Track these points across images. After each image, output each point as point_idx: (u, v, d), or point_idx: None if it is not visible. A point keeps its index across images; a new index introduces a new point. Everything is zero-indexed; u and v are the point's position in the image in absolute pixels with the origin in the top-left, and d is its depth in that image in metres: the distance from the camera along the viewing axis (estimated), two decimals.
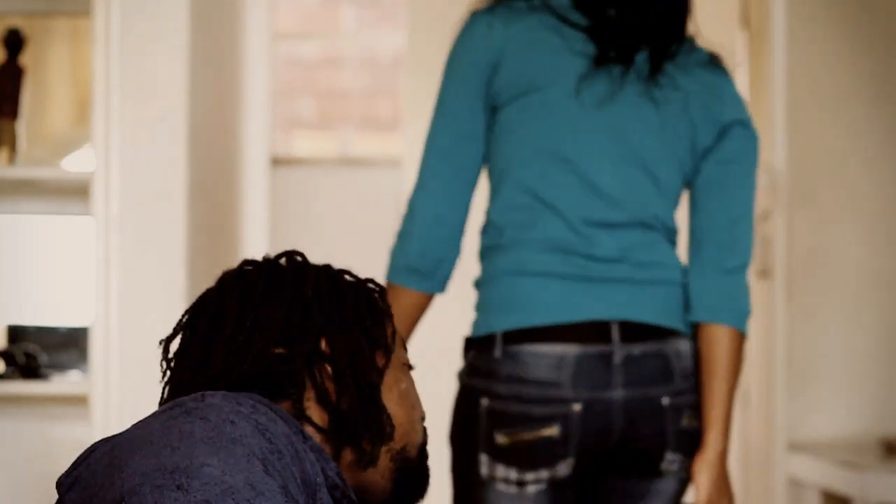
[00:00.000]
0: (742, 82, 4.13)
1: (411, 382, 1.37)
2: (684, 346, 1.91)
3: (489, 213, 1.93)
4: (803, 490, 3.54)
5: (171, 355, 1.31)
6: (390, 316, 1.36)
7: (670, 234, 1.95)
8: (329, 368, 1.28)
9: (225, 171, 3.41)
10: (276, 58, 4.36)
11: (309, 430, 1.27)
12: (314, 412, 1.28)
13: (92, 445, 1.17)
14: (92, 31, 2.61)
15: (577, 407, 1.85)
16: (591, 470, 1.90)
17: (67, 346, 2.89)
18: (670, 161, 1.91)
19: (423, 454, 1.36)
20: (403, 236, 1.92)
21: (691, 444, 1.90)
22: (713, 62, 2.00)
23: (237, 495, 1.06)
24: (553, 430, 1.84)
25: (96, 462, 1.14)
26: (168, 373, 1.31)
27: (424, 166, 1.91)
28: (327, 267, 1.36)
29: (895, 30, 3.69)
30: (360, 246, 4.15)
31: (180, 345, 1.31)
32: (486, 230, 1.93)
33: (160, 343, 1.35)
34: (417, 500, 1.36)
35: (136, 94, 2.62)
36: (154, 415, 1.18)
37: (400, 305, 1.81)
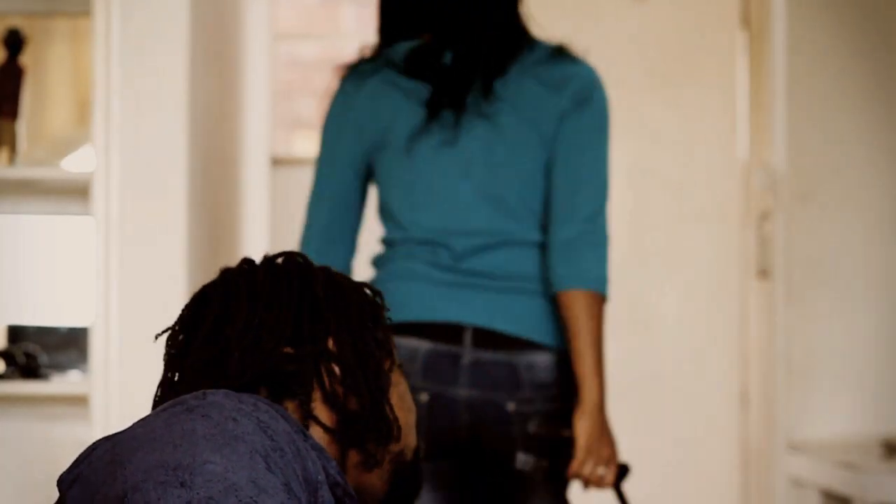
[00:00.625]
0: (742, 82, 4.13)
1: (406, 385, 1.37)
2: (540, 358, 2.05)
3: (383, 235, 2.21)
4: (803, 490, 3.54)
5: (173, 352, 1.30)
6: (388, 319, 1.37)
7: (533, 247, 2.10)
8: (337, 369, 1.28)
9: (225, 171, 3.41)
10: (277, 58, 4.36)
11: (316, 430, 1.27)
12: (321, 412, 1.28)
13: (93, 443, 1.17)
14: (92, 31, 2.61)
15: (423, 397, 2.05)
16: (452, 463, 2.08)
17: (67, 346, 2.89)
18: (520, 181, 2.10)
19: (417, 456, 1.37)
20: None
21: (542, 447, 2.06)
22: (555, 54, 2.16)
23: (240, 492, 1.06)
24: None
25: (98, 459, 1.14)
26: (168, 370, 1.30)
27: (309, 214, 2.22)
28: (328, 269, 1.36)
29: (894, 28, 3.69)
30: (359, 246, 4.15)
31: (181, 342, 1.30)
32: (382, 245, 2.21)
33: (156, 337, 1.35)
34: (411, 502, 1.37)
35: (136, 94, 2.62)
36: (156, 412, 1.17)
37: None
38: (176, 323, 1.33)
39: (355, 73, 2.21)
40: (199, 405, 1.15)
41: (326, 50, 4.66)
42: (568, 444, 2.07)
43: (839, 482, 3.22)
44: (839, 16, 3.69)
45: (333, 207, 2.20)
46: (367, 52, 2.24)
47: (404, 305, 2.06)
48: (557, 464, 2.10)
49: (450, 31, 2.13)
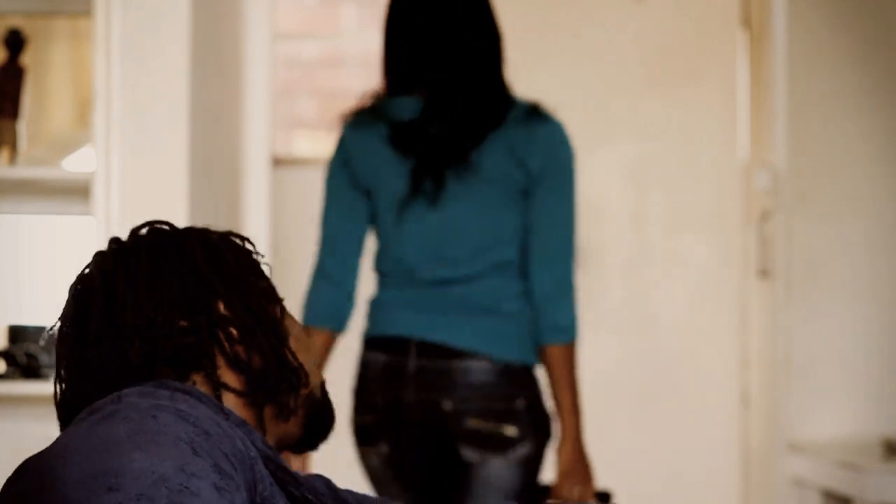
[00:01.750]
0: (743, 82, 4.13)
1: (299, 325, 1.37)
2: (476, 364, 2.36)
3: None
4: (804, 490, 3.54)
5: (66, 351, 1.27)
6: (263, 264, 1.37)
7: (508, 275, 2.41)
8: (235, 331, 1.28)
9: (225, 171, 3.41)
10: (277, 58, 4.36)
11: (228, 397, 1.26)
12: (229, 378, 1.27)
13: (23, 463, 1.16)
14: (93, 31, 2.61)
15: (380, 401, 2.42)
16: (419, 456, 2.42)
17: None
18: (491, 236, 2.41)
19: (325, 392, 1.36)
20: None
21: (481, 440, 2.35)
22: (530, 114, 2.42)
23: (169, 482, 1.06)
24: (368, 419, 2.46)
25: (28, 479, 1.13)
26: (65, 369, 1.27)
27: (320, 243, 2.52)
28: (198, 230, 1.35)
29: (895, 29, 3.69)
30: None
31: (72, 340, 1.28)
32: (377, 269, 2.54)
33: (43, 338, 1.34)
34: (325, 438, 1.37)
35: (136, 94, 2.62)
36: (75, 423, 1.17)
37: (315, 343, 2.30)
38: (61, 322, 1.31)
39: (354, 123, 2.49)
40: (117, 409, 1.15)
41: (326, 50, 4.66)
42: (510, 442, 2.36)
43: (840, 482, 3.22)
44: (839, 16, 3.69)
45: (339, 237, 2.51)
46: (368, 101, 2.49)
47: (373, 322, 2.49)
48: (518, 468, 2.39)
49: (437, 98, 2.41)
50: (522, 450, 2.37)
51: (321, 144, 4.67)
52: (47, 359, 2.80)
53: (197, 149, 2.74)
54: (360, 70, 4.62)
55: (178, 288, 1.27)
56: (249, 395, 1.28)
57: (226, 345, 1.27)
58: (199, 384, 1.26)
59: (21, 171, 2.76)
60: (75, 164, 3.01)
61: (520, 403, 2.38)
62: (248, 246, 1.37)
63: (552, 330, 2.41)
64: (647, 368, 4.11)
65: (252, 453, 1.19)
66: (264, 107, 4.18)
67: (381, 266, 2.50)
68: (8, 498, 1.14)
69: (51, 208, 2.89)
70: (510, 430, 2.36)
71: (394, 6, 2.51)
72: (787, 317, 3.65)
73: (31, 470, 1.13)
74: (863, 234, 3.66)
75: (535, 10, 4.14)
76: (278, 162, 4.25)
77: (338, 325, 2.49)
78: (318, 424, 1.35)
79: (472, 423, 2.36)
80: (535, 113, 2.42)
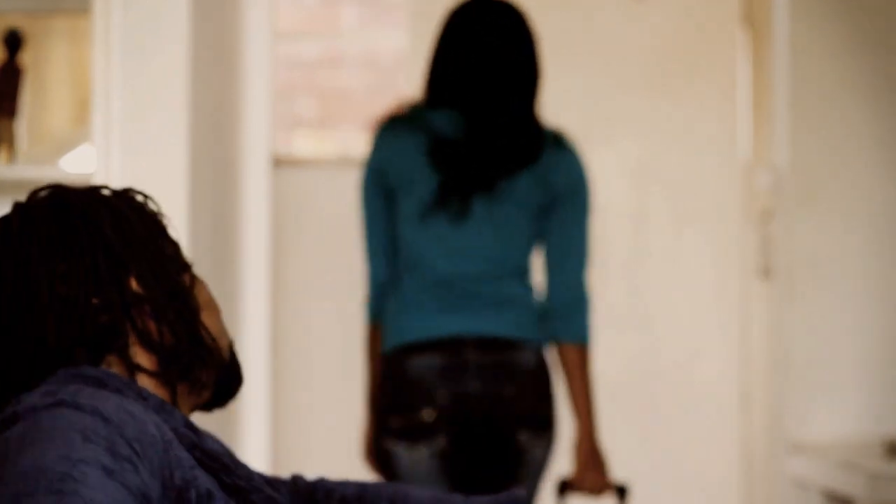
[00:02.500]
0: (744, 81, 4.13)
1: (206, 288, 1.33)
2: (525, 353, 2.55)
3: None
4: (805, 491, 3.53)
5: None
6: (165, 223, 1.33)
7: (519, 275, 2.62)
8: (148, 307, 1.25)
9: (225, 171, 3.40)
10: (277, 58, 4.36)
11: (142, 378, 1.24)
12: (142, 359, 1.25)
13: None
14: (92, 31, 2.61)
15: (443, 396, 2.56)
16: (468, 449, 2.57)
17: None
18: (510, 251, 2.60)
19: (233, 354, 1.34)
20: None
21: (536, 421, 2.54)
22: (554, 142, 2.62)
23: (50, 472, 1.04)
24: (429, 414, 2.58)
25: None
26: None
27: (364, 247, 2.73)
28: (96, 193, 1.30)
29: None
30: (359, 246, 4.14)
31: None
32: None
33: None
34: (234, 398, 1.34)
35: (136, 93, 2.62)
36: None
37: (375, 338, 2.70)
38: None
39: (391, 128, 2.65)
40: (14, 413, 1.13)
41: (327, 50, 4.66)
42: (551, 422, 2.56)
43: (841, 482, 3.22)
44: (841, 15, 3.68)
45: (374, 231, 2.70)
46: (406, 110, 2.66)
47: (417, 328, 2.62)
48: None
49: (480, 121, 2.57)
50: (552, 431, 2.58)
51: (321, 144, 4.67)
52: None
53: (197, 148, 2.74)
54: (361, 70, 4.62)
55: (90, 262, 1.23)
56: (162, 375, 1.25)
57: (138, 322, 1.24)
58: (114, 365, 1.23)
59: (20, 171, 2.75)
60: (74, 164, 3.01)
61: (553, 386, 2.60)
62: (151, 206, 1.32)
63: (571, 330, 2.61)
64: (648, 368, 4.11)
65: (168, 437, 1.16)
66: (264, 107, 4.18)
67: (404, 270, 2.65)
68: None
69: None
70: (550, 410, 2.57)
71: (454, 21, 2.62)
72: (787, 316, 3.65)
73: None
74: (864, 233, 3.66)
75: (535, 11, 4.14)
76: (278, 162, 4.24)
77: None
78: (227, 387, 1.33)
79: (527, 405, 2.54)
80: (560, 142, 2.63)
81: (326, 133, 4.66)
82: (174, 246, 1.32)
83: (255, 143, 3.97)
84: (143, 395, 1.20)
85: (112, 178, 2.59)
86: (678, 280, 4.13)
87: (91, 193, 1.29)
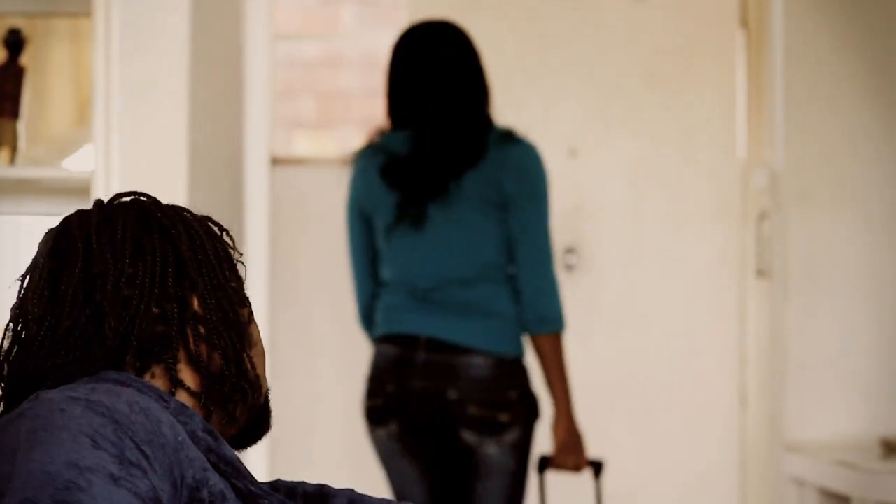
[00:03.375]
0: (741, 82, 4.14)
1: (258, 331, 1.35)
2: (476, 360, 2.71)
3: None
4: (802, 489, 3.54)
5: (34, 315, 1.24)
6: (237, 260, 1.34)
7: (490, 278, 2.76)
8: (203, 329, 1.26)
9: (225, 171, 3.42)
10: (276, 58, 4.36)
11: (182, 394, 1.24)
12: (186, 376, 1.25)
13: None
14: (93, 32, 2.62)
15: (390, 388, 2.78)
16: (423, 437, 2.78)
17: None
18: (469, 249, 2.75)
19: (268, 401, 1.35)
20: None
21: (479, 425, 2.71)
22: (502, 139, 2.76)
23: (57, 479, 1.04)
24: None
25: None
26: (28, 327, 1.24)
27: (351, 271, 2.95)
28: (178, 210, 1.31)
29: (893, 28, 3.70)
30: None
31: (46, 299, 1.24)
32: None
33: (10, 286, 1.28)
34: (255, 443, 1.35)
35: (136, 94, 2.63)
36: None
37: None
38: (31, 270, 1.27)
39: (361, 156, 2.88)
40: (30, 407, 1.13)
41: (326, 50, 4.67)
42: (503, 427, 2.71)
43: (838, 481, 3.23)
44: (837, 16, 3.69)
45: (355, 253, 2.94)
46: (374, 137, 2.87)
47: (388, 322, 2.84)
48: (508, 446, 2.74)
49: (423, 135, 2.78)
50: (513, 434, 2.72)
51: (321, 144, 4.68)
52: None
53: (197, 148, 2.75)
54: (360, 70, 4.63)
55: (159, 273, 1.25)
56: (203, 397, 1.26)
57: (191, 341, 1.25)
58: (158, 377, 1.24)
59: (21, 171, 2.76)
60: (75, 164, 3.02)
61: (512, 394, 2.73)
62: (226, 238, 1.34)
63: (541, 321, 2.74)
64: (645, 368, 4.12)
65: (181, 437, 1.16)
66: (264, 107, 4.19)
67: (382, 278, 2.88)
68: None
69: (51, 208, 2.90)
70: (503, 417, 2.71)
71: (396, 50, 2.86)
72: (784, 316, 3.66)
73: None
74: (861, 233, 3.67)
75: (534, 11, 4.15)
76: (278, 162, 4.25)
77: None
78: (254, 431, 1.34)
79: (473, 410, 2.71)
80: (507, 138, 2.76)
81: (325, 133, 4.67)
82: (239, 281, 1.33)
83: (255, 142, 3.98)
84: (164, 398, 1.21)
85: (112, 177, 2.60)
86: (676, 280, 4.14)
87: (173, 209, 1.32)
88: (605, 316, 4.12)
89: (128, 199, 1.31)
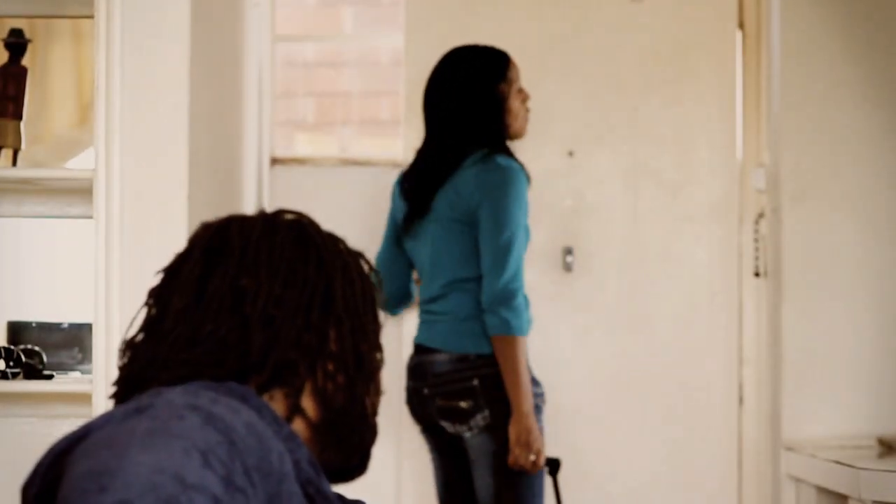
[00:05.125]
0: (738, 82, 4.15)
1: (381, 373, 1.35)
2: (439, 357, 3.00)
3: None
4: (800, 488, 3.56)
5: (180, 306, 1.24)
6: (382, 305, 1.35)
7: (459, 289, 3.03)
8: (333, 366, 1.26)
9: (225, 172, 3.43)
10: (276, 59, 4.38)
11: (298, 423, 1.25)
12: (308, 405, 1.26)
13: (60, 441, 1.15)
14: (95, 33, 2.63)
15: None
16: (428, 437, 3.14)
17: (70, 344, 2.90)
18: (454, 257, 3.02)
19: (373, 445, 1.35)
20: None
21: (448, 413, 2.98)
22: (474, 163, 2.99)
23: (160, 490, 1.03)
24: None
25: (49, 470, 1.13)
26: (164, 321, 1.24)
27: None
28: (336, 242, 1.32)
29: (890, 28, 3.71)
30: (359, 246, 4.16)
31: (191, 296, 1.25)
32: None
33: (158, 273, 1.27)
34: (348, 481, 1.35)
35: (137, 95, 2.64)
36: (111, 413, 1.15)
37: None
38: (178, 261, 1.27)
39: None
40: (152, 404, 1.13)
41: (326, 51, 4.68)
42: (467, 413, 2.95)
43: (835, 480, 3.24)
44: (834, 17, 3.71)
45: (381, 260, 3.25)
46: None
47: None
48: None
49: (418, 156, 3.10)
50: (482, 417, 2.94)
51: (320, 145, 4.69)
52: (49, 357, 2.82)
53: (197, 149, 2.77)
54: (360, 71, 4.65)
55: (306, 299, 1.25)
56: (320, 429, 1.26)
57: (320, 374, 1.25)
58: (277, 400, 1.24)
59: (24, 172, 2.78)
60: (77, 165, 3.03)
61: (474, 382, 2.95)
62: (373, 278, 1.34)
63: (492, 326, 2.93)
64: (644, 367, 4.13)
65: (286, 468, 1.16)
66: (264, 107, 4.20)
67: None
68: (45, 470, 1.14)
69: (52, 209, 2.91)
70: (465, 404, 2.95)
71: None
72: (782, 316, 3.67)
73: (59, 450, 1.14)
74: (858, 233, 3.68)
75: (533, 11, 4.16)
76: (278, 162, 4.27)
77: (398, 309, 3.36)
78: (351, 471, 1.34)
79: (440, 401, 2.99)
80: (484, 159, 2.98)
81: (325, 133, 4.69)
82: (377, 325, 1.33)
83: (255, 143, 3.99)
84: (277, 421, 1.20)
85: (113, 177, 2.61)
86: (674, 279, 4.15)
87: (332, 240, 1.32)
88: (603, 316, 4.13)
89: (291, 216, 1.31)
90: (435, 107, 3.08)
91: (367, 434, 1.30)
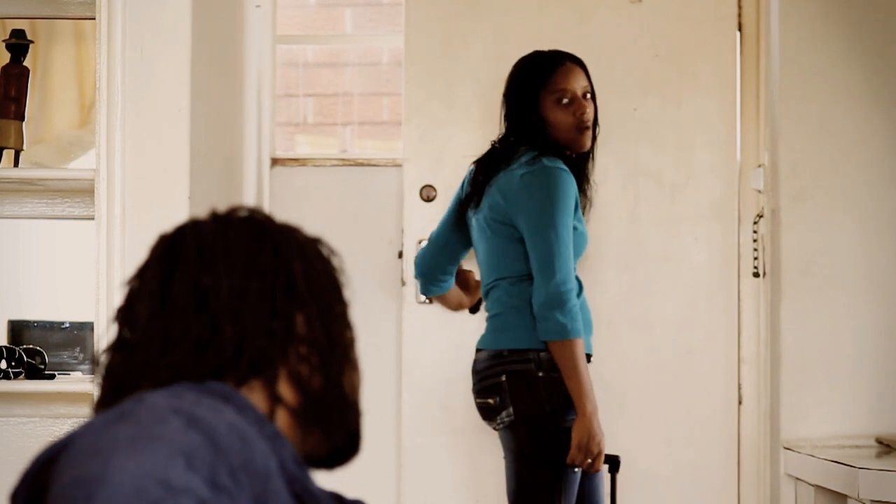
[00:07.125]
0: (737, 83, 4.16)
1: (357, 349, 1.36)
2: (480, 355, 3.02)
3: None
4: (798, 487, 3.56)
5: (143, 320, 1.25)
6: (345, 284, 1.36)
7: (507, 285, 3.01)
8: (304, 350, 1.27)
9: (226, 172, 3.44)
10: (277, 59, 4.38)
11: (280, 411, 1.25)
12: (286, 392, 1.27)
13: (44, 451, 1.15)
14: (96, 34, 2.64)
15: None
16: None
17: (72, 344, 2.91)
18: (496, 254, 3.03)
19: (361, 426, 1.36)
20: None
21: (484, 411, 2.99)
22: (520, 165, 2.98)
23: (146, 495, 1.04)
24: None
25: (33, 479, 1.14)
26: (135, 331, 1.25)
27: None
28: (291, 231, 1.33)
29: (889, 29, 3.72)
30: (359, 247, 4.17)
31: (156, 302, 1.26)
32: None
33: (117, 315, 1.27)
34: (343, 464, 1.35)
35: (139, 96, 2.65)
36: (94, 420, 1.15)
37: None
38: (141, 272, 1.28)
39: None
40: (134, 410, 1.14)
41: (326, 52, 4.69)
42: (494, 409, 2.95)
43: (834, 480, 3.24)
44: (833, 18, 3.71)
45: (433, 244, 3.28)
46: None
47: None
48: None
49: (495, 146, 3.10)
50: (505, 415, 2.94)
51: (320, 145, 4.70)
52: (50, 357, 2.83)
53: (198, 149, 2.77)
54: (360, 72, 4.65)
55: (269, 288, 1.26)
56: (302, 415, 1.27)
57: (294, 360, 1.26)
58: (256, 391, 1.25)
59: (26, 172, 2.78)
60: (79, 165, 3.04)
61: (502, 378, 2.95)
62: (335, 262, 1.35)
63: (546, 331, 2.91)
64: (643, 367, 4.14)
65: (271, 466, 1.17)
66: (264, 108, 4.21)
67: None
68: (31, 480, 1.15)
69: (54, 209, 2.92)
70: (491, 400, 2.96)
71: None
72: (781, 316, 3.68)
73: (44, 459, 1.14)
74: (857, 233, 3.69)
75: (532, 12, 4.17)
76: (278, 162, 4.27)
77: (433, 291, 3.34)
78: (344, 453, 1.34)
79: (476, 399, 3.01)
80: (527, 162, 2.98)
81: (326, 134, 4.70)
82: (344, 304, 1.34)
83: (256, 143, 4.00)
84: (260, 420, 1.22)
85: (115, 178, 2.62)
86: (673, 280, 4.16)
87: (287, 229, 1.33)
88: (601, 316, 4.14)
89: (243, 213, 1.32)
90: (502, 106, 3.13)
91: (348, 412, 1.31)
